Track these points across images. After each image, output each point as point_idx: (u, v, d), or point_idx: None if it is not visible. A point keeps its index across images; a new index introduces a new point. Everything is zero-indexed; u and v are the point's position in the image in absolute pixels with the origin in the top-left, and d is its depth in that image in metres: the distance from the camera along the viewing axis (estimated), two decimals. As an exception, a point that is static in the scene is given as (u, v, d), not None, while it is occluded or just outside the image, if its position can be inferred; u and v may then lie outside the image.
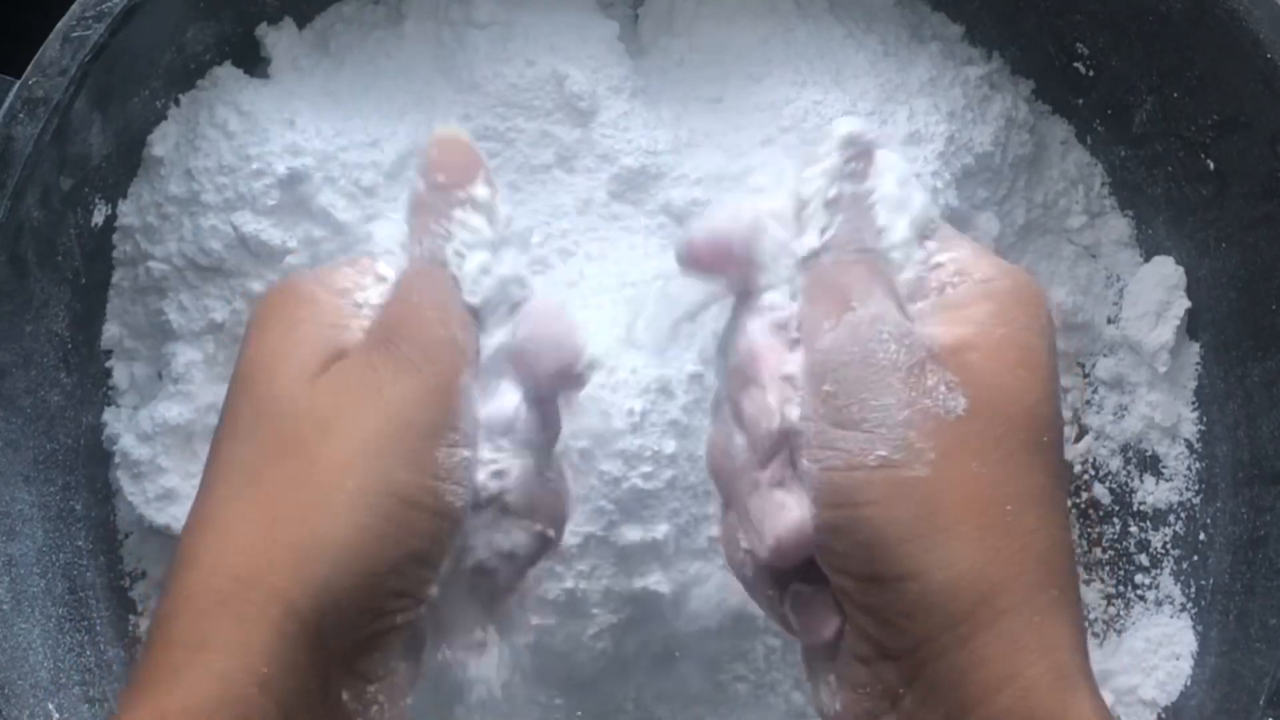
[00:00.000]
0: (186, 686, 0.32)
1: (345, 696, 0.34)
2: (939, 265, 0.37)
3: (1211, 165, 0.56)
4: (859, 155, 0.38)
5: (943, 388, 0.34)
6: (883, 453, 0.34)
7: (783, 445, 0.36)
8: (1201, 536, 0.58)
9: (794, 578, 0.37)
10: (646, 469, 0.48)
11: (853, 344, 0.35)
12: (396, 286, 0.37)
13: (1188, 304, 0.58)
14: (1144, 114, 0.58)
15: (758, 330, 0.37)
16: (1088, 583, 0.58)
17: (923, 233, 0.38)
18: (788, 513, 0.35)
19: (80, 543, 0.53)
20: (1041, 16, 0.58)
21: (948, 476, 0.34)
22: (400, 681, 0.36)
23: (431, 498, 0.34)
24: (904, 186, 0.38)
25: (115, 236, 0.53)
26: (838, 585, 0.35)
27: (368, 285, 0.38)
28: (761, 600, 0.39)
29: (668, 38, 0.57)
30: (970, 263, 0.37)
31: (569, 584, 0.49)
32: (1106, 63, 0.58)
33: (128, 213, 0.53)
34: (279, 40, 0.55)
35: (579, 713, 0.52)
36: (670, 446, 0.49)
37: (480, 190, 0.38)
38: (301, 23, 0.56)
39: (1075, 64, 0.59)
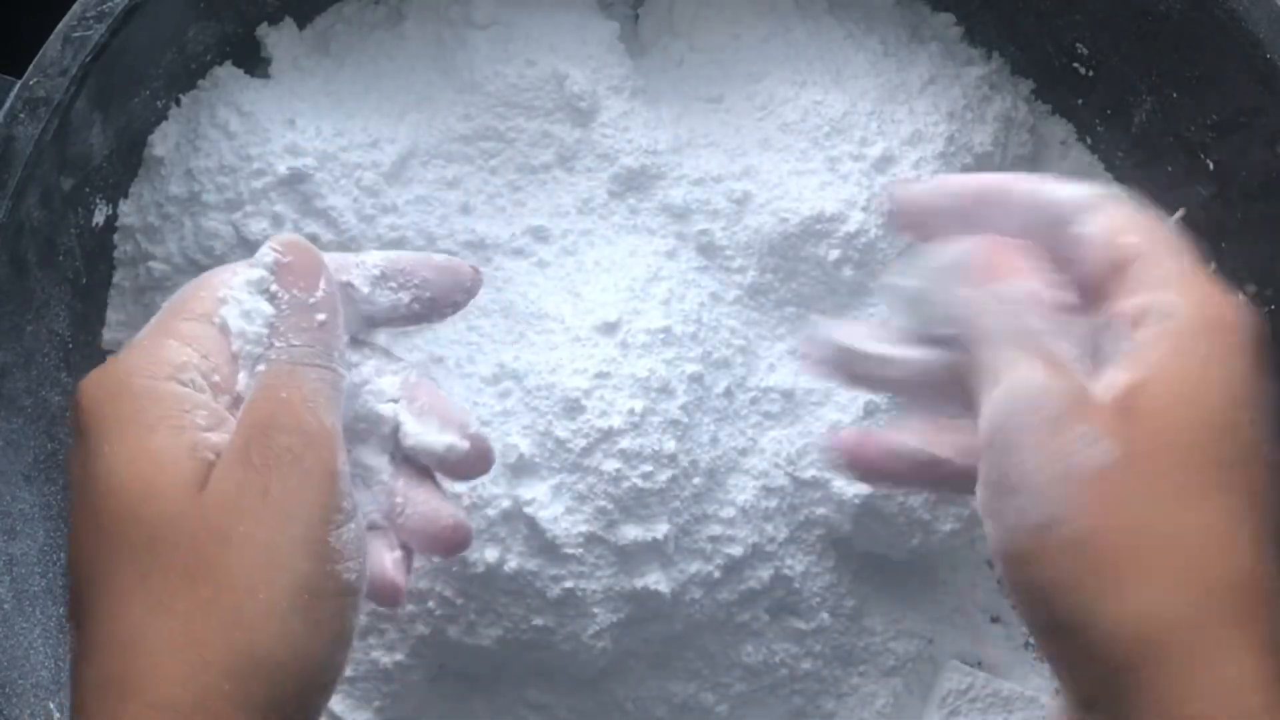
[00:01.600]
0: None
1: None
2: (1123, 312, 0.37)
3: (1211, 165, 0.56)
4: None
5: (1088, 439, 0.34)
6: (1042, 512, 0.34)
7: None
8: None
9: None
10: (646, 468, 0.48)
11: (1000, 415, 0.35)
12: (259, 384, 0.38)
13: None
14: (1144, 114, 0.58)
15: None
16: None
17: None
18: None
19: (81, 542, 0.53)
20: (1041, 16, 0.58)
21: (1108, 526, 0.34)
22: None
23: (335, 581, 0.35)
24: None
25: (116, 236, 0.53)
26: (1032, 637, 0.36)
27: (206, 349, 0.38)
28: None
29: (668, 38, 0.58)
30: (1160, 296, 0.37)
31: (569, 584, 0.49)
32: (1106, 63, 0.58)
33: (128, 213, 0.53)
34: (279, 40, 0.55)
35: (579, 713, 0.52)
36: (670, 446, 0.49)
37: (326, 293, 0.39)
38: (302, 23, 0.56)
39: (1075, 64, 0.59)
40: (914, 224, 0.41)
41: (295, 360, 0.38)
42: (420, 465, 0.43)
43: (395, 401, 0.42)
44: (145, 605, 0.34)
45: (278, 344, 0.38)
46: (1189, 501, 0.34)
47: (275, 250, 0.39)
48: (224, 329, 0.39)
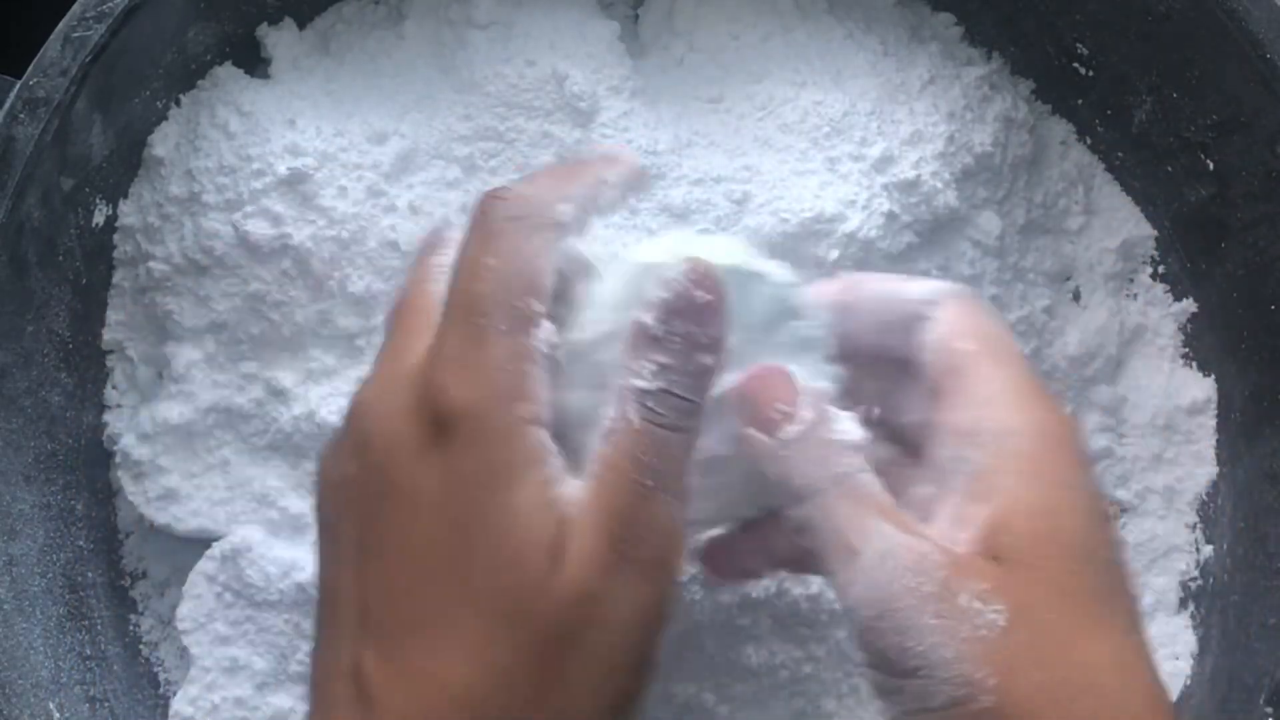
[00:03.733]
0: None
1: None
2: (952, 425, 0.36)
3: (1211, 165, 0.56)
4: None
5: (976, 604, 0.33)
6: (946, 694, 0.33)
7: None
8: (1201, 536, 0.58)
9: None
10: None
11: (875, 595, 0.34)
12: (624, 450, 0.34)
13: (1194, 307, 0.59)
14: (1144, 114, 0.58)
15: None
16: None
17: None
18: None
19: (81, 543, 0.53)
20: (1041, 16, 0.58)
21: (1013, 697, 0.33)
22: None
23: (647, 689, 0.35)
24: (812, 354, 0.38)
25: (116, 236, 0.53)
26: None
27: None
28: None
29: (668, 38, 0.58)
30: (994, 412, 0.36)
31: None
32: (1106, 63, 0.58)
33: (128, 213, 0.53)
34: (279, 40, 0.55)
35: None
36: (670, 446, 0.49)
37: (720, 332, 0.36)
38: (302, 23, 0.56)
39: (1075, 64, 0.59)
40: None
41: (668, 424, 0.34)
42: None
43: None
44: (485, 669, 0.33)
45: (650, 400, 0.34)
46: (1087, 645, 0.33)
47: (685, 280, 0.35)
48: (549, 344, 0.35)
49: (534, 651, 0.33)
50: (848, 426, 0.36)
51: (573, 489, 0.34)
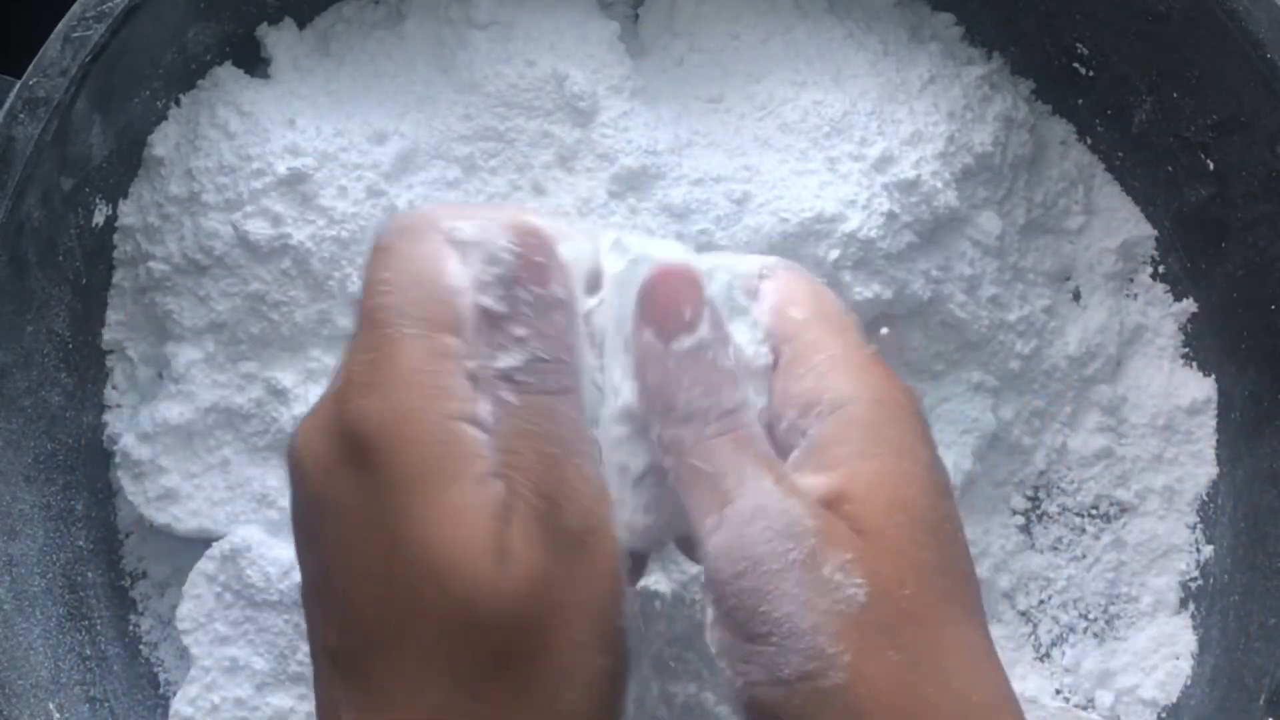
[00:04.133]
0: None
1: None
2: (790, 395, 0.35)
3: (1211, 165, 0.56)
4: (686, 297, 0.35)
5: (839, 576, 0.32)
6: (797, 665, 0.32)
7: None
8: (1201, 536, 0.58)
9: None
10: (646, 469, 0.48)
11: (741, 551, 0.32)
12: (519, 430, 0.33)
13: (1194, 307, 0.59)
14: (1144, 114, 0.58)
15: None
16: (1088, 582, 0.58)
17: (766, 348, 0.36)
18: None
19: (80, 543, 0.53)
20: (1041, 16, 0.58)
21: (865, 675, 0.32)
22: None
23: (626, 661, 0.34)
24: (731, 292, 0.37)
25: (116, 236, 0.53)
26: None
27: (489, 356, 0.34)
28: None
29: (668, 38, 0.58)
30: (830, 381, 0.35)
31: (569, 584, 0.49)
32: (1106, 63, 0.58)
33: (128, 213, 0.53)
34: (279, 40, 0.55)
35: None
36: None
37: (565, 288, 0.35)
38: (302, 23, 0.56)
39: (1075, 64, 0.59)
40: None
41: (548, 389, 0.33)
42: None
43: None
44: (454, 684, 0.32)
45: (521, 374, 0.33)
46: (938, 626, 0.33)
47: (512, 247, 0.34)
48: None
49: (500, 655, 0.32)
50: (750, 354, 0.35)
51: (499, 485, 0.33)
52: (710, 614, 0.33)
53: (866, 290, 0.53)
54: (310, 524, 0.34)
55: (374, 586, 0.32)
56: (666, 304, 0.35)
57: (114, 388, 0.54)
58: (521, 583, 0.32)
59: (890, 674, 0.32)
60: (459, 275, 0.34)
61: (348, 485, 0.33)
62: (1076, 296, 0.59)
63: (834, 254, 0.53)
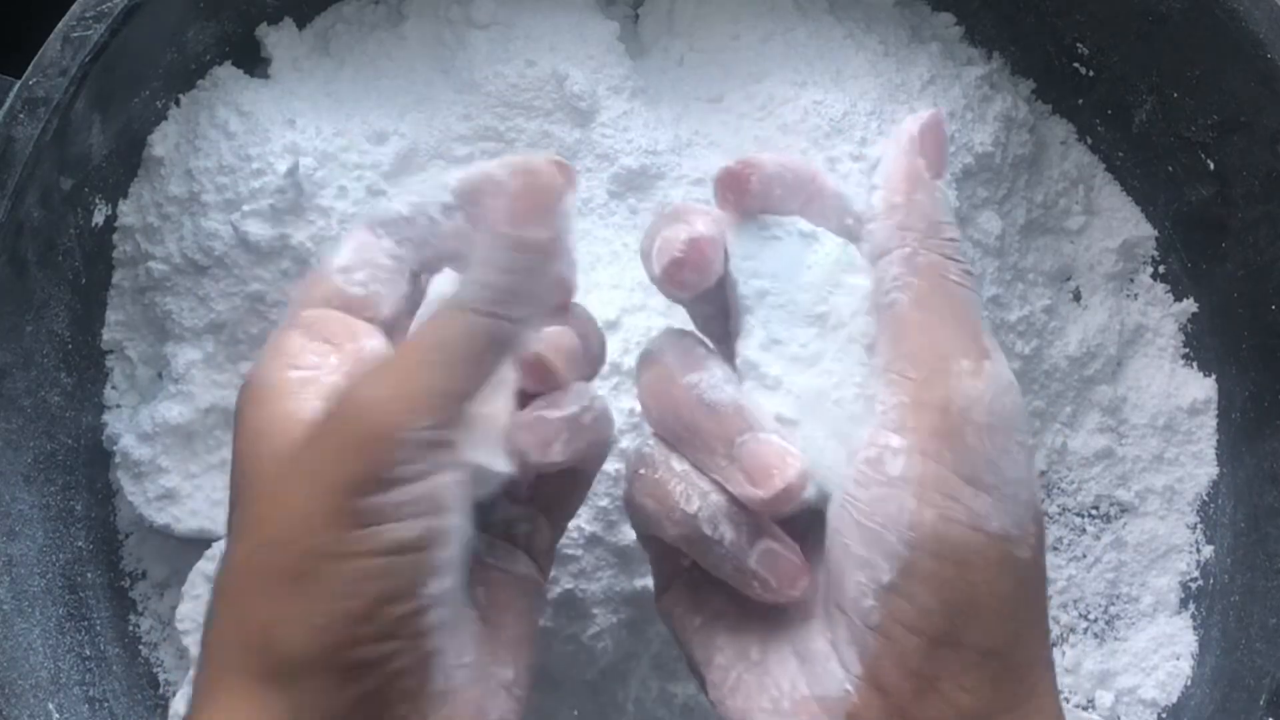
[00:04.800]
0: None
1: None
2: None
3: (1211, 165, 0.56)
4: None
5: (1035, 471, 0.35)
6: (1005, 524, 0.33)
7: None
8: (1202, 537, 0.58)
9: (763, 534, 0.36)
10: (647, 469, 0.48)
11: (997, 403, 0.34)
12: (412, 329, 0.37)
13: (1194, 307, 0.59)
14: (1144, 114, 0.58)
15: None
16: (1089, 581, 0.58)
17: None
18: (794, 459, 0.35)
19: (80, 543, 0.53)
20: (1041, 16, 0.58)
21: (1038, 564, 0.34)
22: (460, 716, 0.35)
23: (367, 543, 0.33)
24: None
25: (115, 236, 0.53)
26: (891, 638, 0.34)
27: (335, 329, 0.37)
28: (717, 554, 0.37)
29: (668, 38, 0.58)
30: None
31: (569, 585, 0.49)
32: (1106, 63, 0.58)
33: (128, 213, 0.53)
34: (279, 40, 0.55)
35: (578, 713, 0.52)
36: (670, 446, 0.49)
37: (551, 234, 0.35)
38: (301, 23, 0.56)
39: (1075, 64, 0.59)
40: (755, 191, 0.38)
41: (465, 304, 0.34)
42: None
43: None
44: (224, 552, 0.35)
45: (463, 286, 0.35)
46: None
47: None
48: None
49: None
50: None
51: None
52: (907, 442, 0.34)
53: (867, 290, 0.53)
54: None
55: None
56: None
57: (114, 388, 0.54)
58: (278, 465, 0.35)
59: (1043, 576, 0.35)
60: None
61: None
62: (1077, 297, 0.59)
63: (834, 254, 0.53)
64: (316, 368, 0.37)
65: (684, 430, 0.37)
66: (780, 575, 0.36)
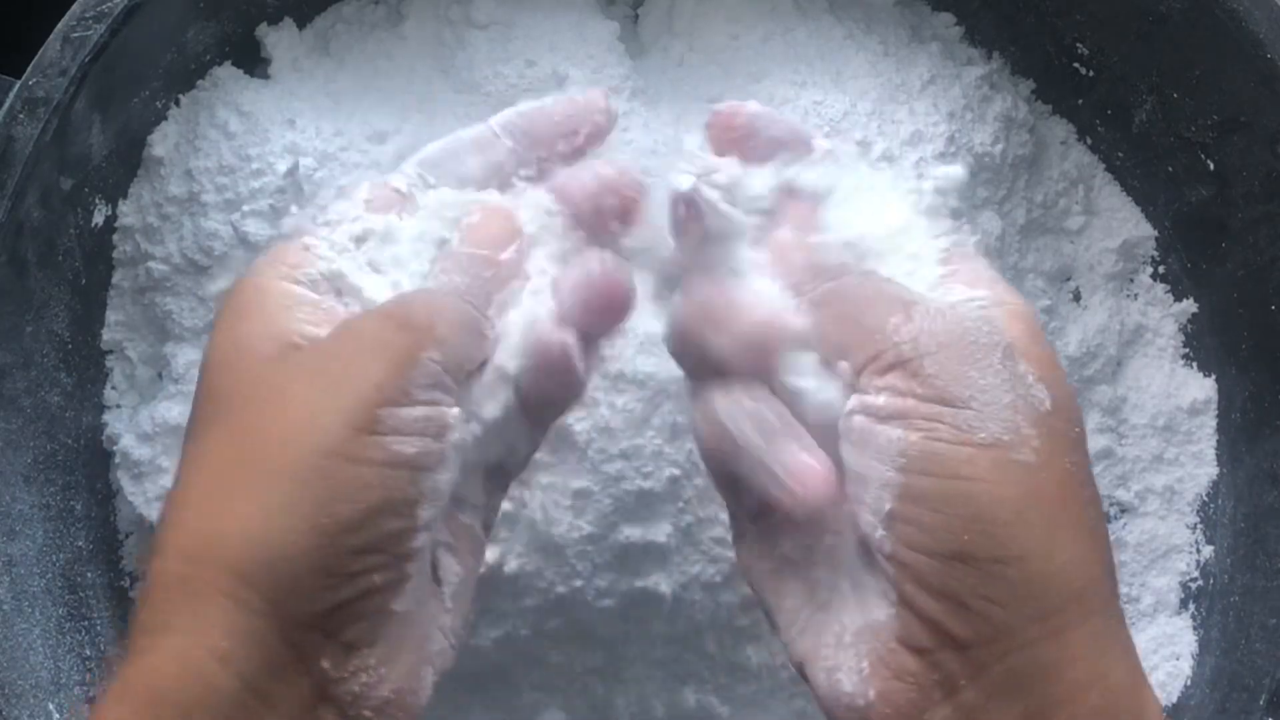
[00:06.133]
0: (148, 668, 0.32)
1: (326, 665, 0.33)
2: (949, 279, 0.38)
3: (1211, 165, 0.56)
4: None
5: (1030, 378, 0.34)
6: (993, 431, 0.33)
7: None
8: (1201, 537, 0.58)
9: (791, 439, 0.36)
10: (648, 469, 0.48)
11: (944, 326, 0.34)
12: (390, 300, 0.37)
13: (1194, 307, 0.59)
14: (1144, 114, 0.58)
15: None
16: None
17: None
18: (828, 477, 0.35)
19: (80, 543, 0.53)
20: (1041, 16, 0.58)
21: (1050, 466, 0.33)
22: (405, 647, 0.35)
23: (377, 451, 0.33)
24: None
25: (115, 236, 0.53)
26: (905, 563, 0.34)
27: (325, 255, 0.38)
28: (748, 464, 0.37)
29: (668, 38, 0.58)
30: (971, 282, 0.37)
31: (570, 585, 0.49)
32: (1106, 63, 0.58)
33: (128, 213, 0.53)
34: (279, 40, 0.55)
35: (579, 714, 0.52)
36: (672, 447, 0.49)
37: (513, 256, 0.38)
38: (301, 23, 0.56)
39: (1075, 64, 0.59)
40: (742, 135, 0.40)
41: (444, 290, 0.37)
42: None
43: None
44: (193, 467, 0.34)
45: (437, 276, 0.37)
46: (1088, 473, 0.35)
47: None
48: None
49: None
50: None
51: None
52: (880, 398, 0.34)
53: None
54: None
55: (192, 415, 0.36)
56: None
57: (113, 388, 0.54)
58: (279, 367, 0.35)
59: (1067, 476, 0.34)
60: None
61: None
62: (1077, 297, 0.59)
63: (834, 254, 0.53)
64: (306, 293, 0.37)
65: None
66: (802, 480, 0.35)
